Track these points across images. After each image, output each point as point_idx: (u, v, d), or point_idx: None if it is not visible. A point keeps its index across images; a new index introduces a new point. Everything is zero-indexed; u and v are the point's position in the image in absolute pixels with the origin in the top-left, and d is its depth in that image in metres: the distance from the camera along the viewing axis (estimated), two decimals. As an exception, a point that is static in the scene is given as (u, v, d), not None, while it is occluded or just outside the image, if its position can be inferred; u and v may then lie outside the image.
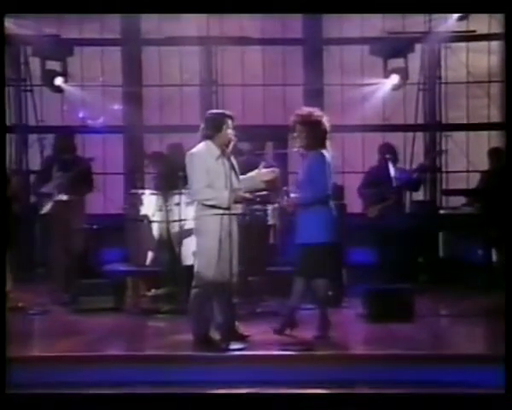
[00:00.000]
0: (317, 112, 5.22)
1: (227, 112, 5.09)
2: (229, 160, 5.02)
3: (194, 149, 5.04)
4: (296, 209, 5.16)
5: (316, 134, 5.14)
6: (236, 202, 4.97)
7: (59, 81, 8.38)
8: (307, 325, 5.34)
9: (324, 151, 5.18)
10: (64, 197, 6.76)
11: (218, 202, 4.90)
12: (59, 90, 8.46)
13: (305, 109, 5.26)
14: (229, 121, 5.02)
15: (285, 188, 5.32)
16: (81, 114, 7.92)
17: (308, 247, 5.09)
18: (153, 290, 6.66)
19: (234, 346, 4.84)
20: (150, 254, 6.66)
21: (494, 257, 7.31)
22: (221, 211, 4.90)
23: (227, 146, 5.03)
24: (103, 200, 8.88)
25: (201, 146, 5.04)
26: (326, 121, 5.19)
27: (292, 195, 5.21)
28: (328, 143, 5.21)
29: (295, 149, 5.31)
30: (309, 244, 5.09)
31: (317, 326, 5.23)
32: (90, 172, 7.05)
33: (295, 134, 5.22)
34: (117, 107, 8.99)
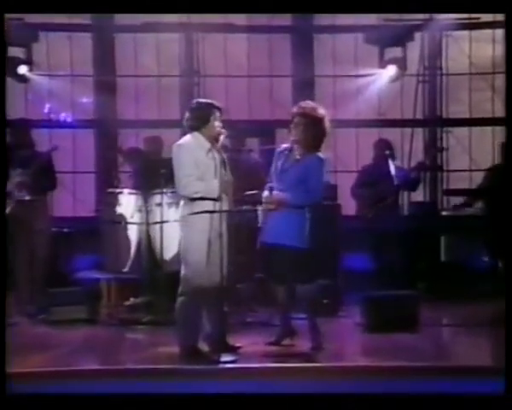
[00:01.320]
0: (321, 109, 5.28)
1: (215, 102, 5.14)
2: (219, 154, 5.06)
3: (181, 141, 5.09)
4: (279, 208, 5.18)
5: (315, 132, 5.21)
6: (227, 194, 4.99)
7: (23, 70, 8.34)
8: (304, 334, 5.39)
9: (321, 155, 5.25)
10: (25, 197, 6.70)
11: (207, 193, 4.93)
12: (23, 79, 8.41)
13: (310, 103, 5.32)
14: (217, 113, 5.07)
15: (269, 183, 5.33)
16: (48, 107, 7.88)
17: (287, 249, 5.14)
18: (131, 299, 6.66)
19: (225, 358, 4.86)
20: (128, 260, 6.66)
21: (500, 262, 7.43)
22: (210, 207, 4.92)
23: (216, 140, 5.07)
24: (73, 201, 8.87)
25: (189, 138, 5.08)
26: (328, 122, 5.26)
27: (275, 192, 5.22)
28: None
29: (287, 144, 5.33)
30: (288, 247, 5.14)
31: (309, 337, 5.28)
32: (52, 167, 6.94)
33: (292, 126, 5.25)
34: (88, 99, 8.96)
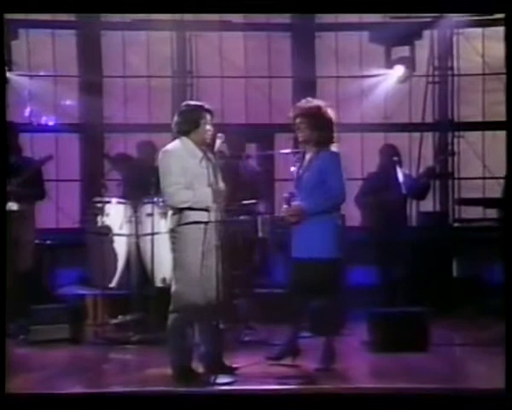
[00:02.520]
0: (316, 101, 5.37)
1: (206, 105, 5.16)
2: (211, 160, 5.10)
3: (168, 146, 5.13)
4: (301, 219, 5.21)
5: (320, 127, 5.25)
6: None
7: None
8: (308, 354, 5.44)
9: (335, 149, 5.30)
10: (13, 207, 6.74)
11: (197, 203, 4.94)
12: (1, 80, 8.46)
13: (303, 100, 5.38)
14: (208, 116, 5.10)
15: (285, 194, 5.40)
16: (28, 110, 7.93)
17: (314, 262, 5.16)
18: (120, 317, 6.69)
19: (221, 380, 4.89)
20: (116, 274, 6.70)
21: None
22: (201, 218, 4.96)
23: (207, 145, 5.11)
24: (56, 211, 8.92)
25: (177, 143, 5.11)
26: (329, 111, 5.32)
27: (294, 203, 5.26)
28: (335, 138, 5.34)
29: (298, 149, 5.41)
30: (316, 259, 5.16)
31: (320, 357, 5.30)
32: (41, 175, 7.00)
33: (297, 127, 5.32)
34: (72, 101, 9.04)
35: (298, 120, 5.32)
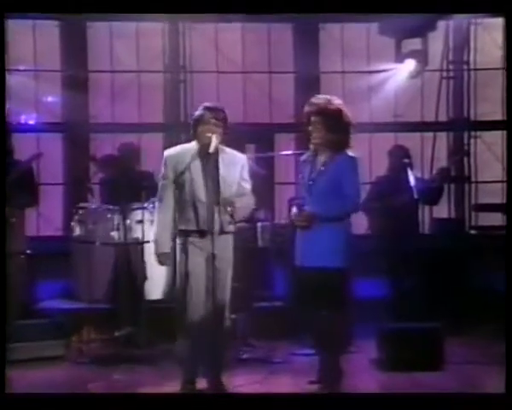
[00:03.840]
0: (336, 100, 5.35)
1: (207, 103, 5.32)
2: (208, 163, 5.21)
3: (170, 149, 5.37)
4: (312, 224, 5.25)
5: (338, 128, 5.27)
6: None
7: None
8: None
9: (352, 153, 5.32)
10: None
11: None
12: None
13: (321, 97, 5.37)
14: (208, 114, 5.22)
15: (297, 200, 5.44)
16: (6, 107, 7.96)
17: (323, 271, 5.19)
18: (108, 333, 6.72)
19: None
20: (104, 287, 6.74)
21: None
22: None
23: (207, 146, 5.21)
24: (37, 218, 8.94)
25: (179, 146, 5.35)
26: (348, 113, 5.34)
27: (306, 206, 5.29)
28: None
29: (309, 150, 5.44)
30: (324, 268, 5.19)
31: (323, 377, 5.30)
32: (33, 178, 7.00)
33: (311, 128, 5.32)
34: (54, 98, 9.08)
35: (313, 119, 5.30)
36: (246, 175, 5.32)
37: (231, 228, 5.27)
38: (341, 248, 5.25)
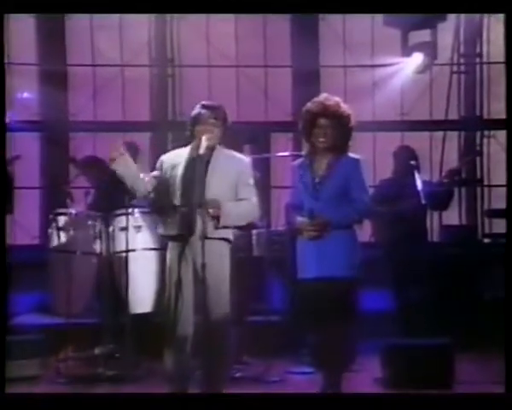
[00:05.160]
0: (341, 102, 5.44)
1: (205, 102, 5.40)
2: (199, 164, 5.23)
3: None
4: (323, 232, 5.28)
5: (343, 133, 5.36)
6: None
7: None
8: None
9: (355, 155, 5.41)
10: None
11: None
12: None
13: (331, 98, 5.42)
14: (206, 113, 5.29)
15: (295, 207, 5.46)
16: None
17: (328, 282, 5.23)
18: (88, 351, 6.72)
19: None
20: (84, 300, 6.75)
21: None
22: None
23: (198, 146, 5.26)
24: (10, 225, 8.93)
25: (176, 150, 5.50)
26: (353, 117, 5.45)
27: (318, 214, 5.31)
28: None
29: (302, 153, 5.48)
30: (330, 279, 5.23)
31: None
32: (12, 182, 7.05)
33: (317, 130, 5.34)
34: (30, 94, 9.08)
35: (322, 122, 5.34)
36: (246, 180, 5.32)
37: (222, 234, 5.25)
38: (353, 257, 5.33)
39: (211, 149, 5.26)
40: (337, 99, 5.42)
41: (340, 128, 5.34)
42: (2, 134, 5.81)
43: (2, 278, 5.97)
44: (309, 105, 5.42)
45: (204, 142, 5.21)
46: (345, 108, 5.39)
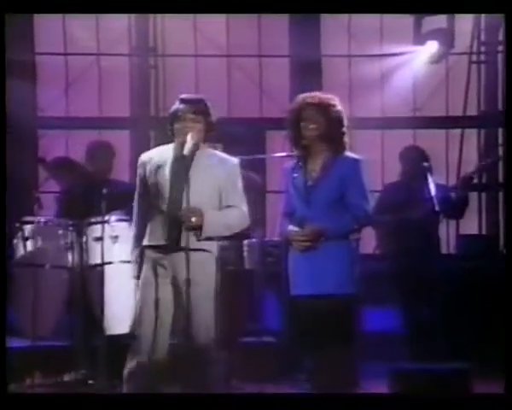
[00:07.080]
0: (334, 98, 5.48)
1: (183, 95, 5.41)
2: (182, 166, 5.26)
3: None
4: (315, 243, 5.28)
5: (337, 128, 5.34)
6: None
7: None
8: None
9: (354, 155, 5.40)
10: None
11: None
12: None
13: (309, 93, 5.46)
14: (184, 107, 5.31)
15: (286, 214, 5.47)
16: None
17: (326, 300, 5.24)
18: (57, 376, 6.74)
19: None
20: (54, 320, 6.76)
21: None
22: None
23: (183, 147, 5.28)
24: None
25: (157, 148, 5.53)
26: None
27: (309, 223, 5.31)
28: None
29: (295, 154, 5.51)
30: (328, 296, 5.23)
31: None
32: None
33: (303, 125, 5.35)
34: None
35: (309, 111, 5.33)
36: (234, 184, 5.33)
37: (205, 246, 5.25)
38: (350, 271, 5.31)
39: (193, 149, 5.27)
40: (317, 93, 5.46)
41: (328, 115, 5.31)
42: (3, 134, 5.96)
43: (2, 279, 6.19)
44: (290, 106, 5.48)
45: (189, 141, 5.23)
46: (329, 96, 5.39)
